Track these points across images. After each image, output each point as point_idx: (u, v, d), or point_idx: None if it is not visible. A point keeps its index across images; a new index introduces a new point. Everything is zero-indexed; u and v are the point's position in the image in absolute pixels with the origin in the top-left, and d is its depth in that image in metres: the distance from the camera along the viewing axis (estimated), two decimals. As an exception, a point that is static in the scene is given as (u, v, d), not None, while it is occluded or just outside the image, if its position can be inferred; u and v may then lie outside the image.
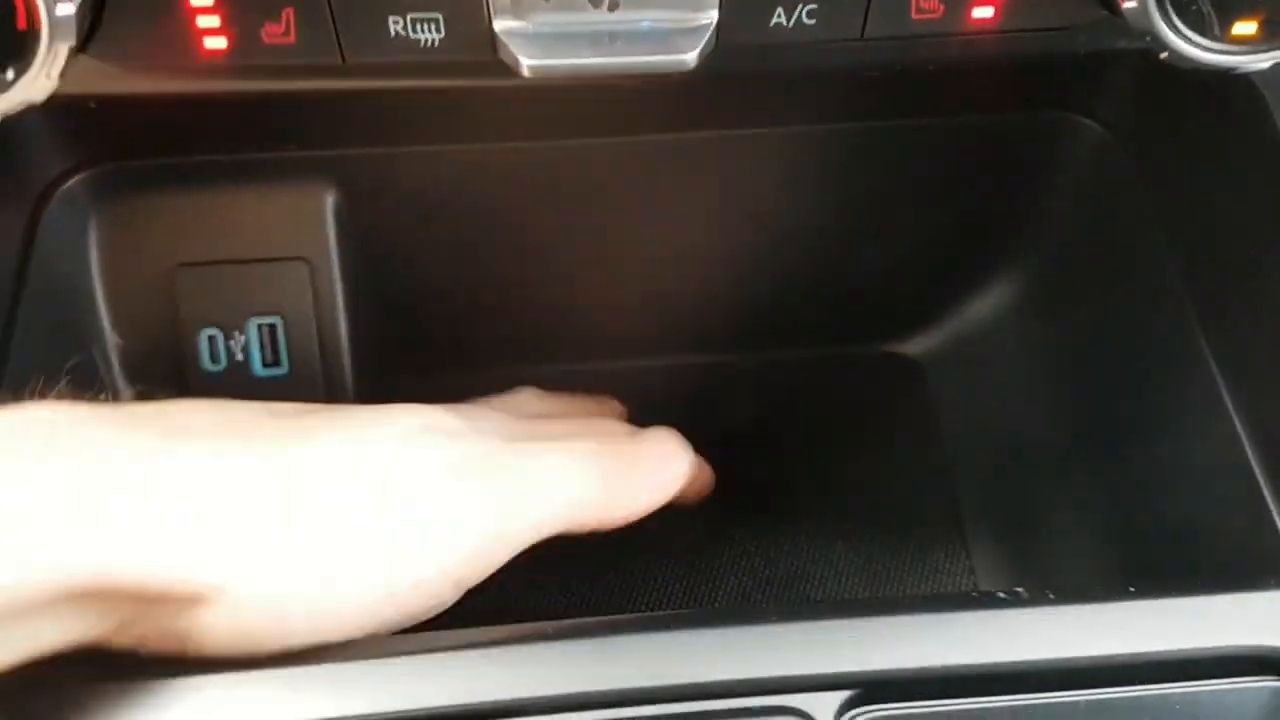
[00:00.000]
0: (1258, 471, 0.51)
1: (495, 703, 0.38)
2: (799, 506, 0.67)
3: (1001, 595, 0.43)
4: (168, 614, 0.38)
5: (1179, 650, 0.42)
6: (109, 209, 0.60)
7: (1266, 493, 0.50)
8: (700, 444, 0.70)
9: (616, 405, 0.66)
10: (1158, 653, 0.41)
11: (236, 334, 0.63)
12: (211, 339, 0.63)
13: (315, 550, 0.39)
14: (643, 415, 0.69)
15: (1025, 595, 0.43)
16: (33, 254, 0.56)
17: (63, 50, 0.38)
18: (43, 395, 0.39)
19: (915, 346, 0.73)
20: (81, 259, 0.60)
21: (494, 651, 0.40)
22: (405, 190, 0.62)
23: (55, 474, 0.35)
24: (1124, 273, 0.62)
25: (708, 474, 0.62)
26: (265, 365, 0.63)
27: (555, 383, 0.67)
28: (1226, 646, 0.42)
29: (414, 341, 0.69)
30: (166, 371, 0.63)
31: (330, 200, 0.61)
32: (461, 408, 0.51)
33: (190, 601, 0.38)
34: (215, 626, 0.38)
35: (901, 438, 0.71)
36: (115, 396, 0.64)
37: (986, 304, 0.71)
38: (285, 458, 0.40)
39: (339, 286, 0.63)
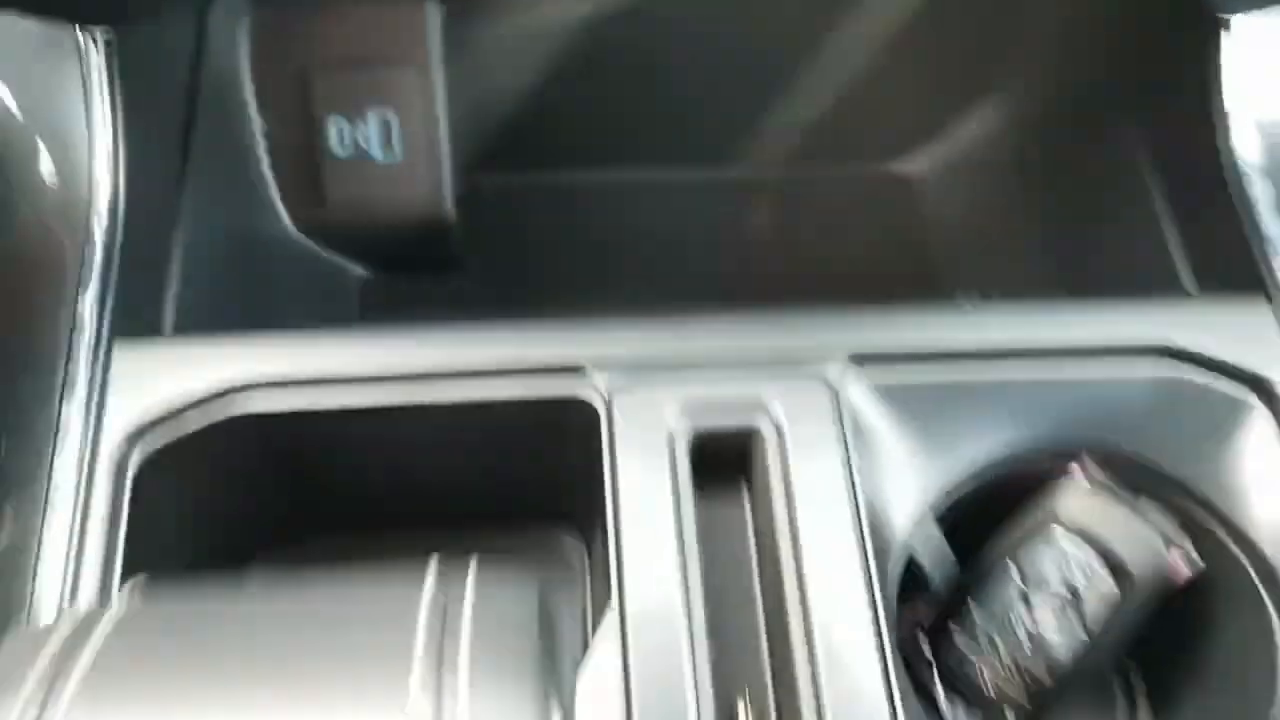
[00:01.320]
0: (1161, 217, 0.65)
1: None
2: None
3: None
4: None
5: (1096, 342, 0.55)
6: (257, 15, 0.73)
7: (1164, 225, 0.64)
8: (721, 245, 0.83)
9: None
10: (1080, 343, 0.55)
11: (360, 123, 0.76)
12: (340, 128, 0.76)
13: None
14: (668, 222, 0.83)
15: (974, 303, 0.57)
16: (203, 58, 0.69)
17: None
18: None
19: (911, 165, 0.86)
20: (236, 58, 0.74)
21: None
22: (503, 4, 0.74)
23: None
24: (1088, 98, 0.74)
25: None
26: (384, 152, 0.76)
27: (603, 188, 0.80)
28: (1136, 340, 0.55)
29: (503, 141, 0.82)
30: (301, 157, 0.76)
31: (435, 14, 0.74)
32: None
33: None
34: None
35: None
36: (262, 184, 0.77)
37: (971, 126, 0.83)
38: None
39: (439, 90, 0.76)
